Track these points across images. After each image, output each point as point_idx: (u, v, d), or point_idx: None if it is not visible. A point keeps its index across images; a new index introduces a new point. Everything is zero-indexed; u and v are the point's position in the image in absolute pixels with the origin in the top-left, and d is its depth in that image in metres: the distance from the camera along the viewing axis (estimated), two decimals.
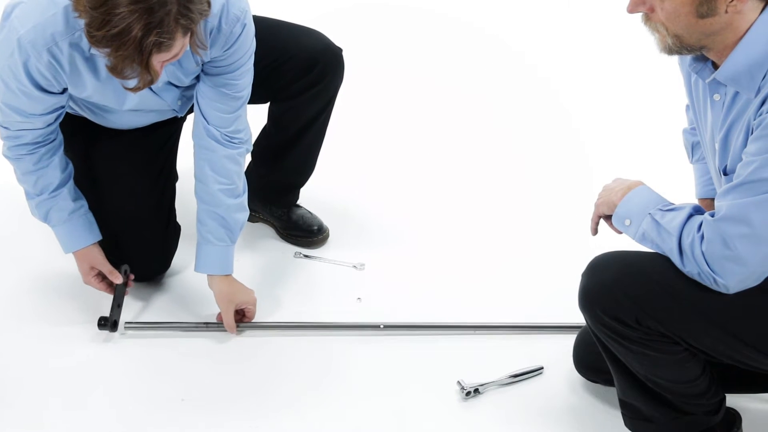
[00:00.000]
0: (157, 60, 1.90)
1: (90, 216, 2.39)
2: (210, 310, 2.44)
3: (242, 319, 2.42)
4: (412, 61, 3.75)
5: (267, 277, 2.61)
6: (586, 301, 1.89)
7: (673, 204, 1.86)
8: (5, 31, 2.05)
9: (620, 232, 1.95)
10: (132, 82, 1.95)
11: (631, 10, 1.79)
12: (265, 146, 2.64)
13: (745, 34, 1.73)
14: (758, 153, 1.70)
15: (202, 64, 2.22)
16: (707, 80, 1.83)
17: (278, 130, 2.59)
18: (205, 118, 2.30)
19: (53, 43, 2.03)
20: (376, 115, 3.35)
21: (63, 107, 2.23)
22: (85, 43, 2.04)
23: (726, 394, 2.05)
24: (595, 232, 2.03)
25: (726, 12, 1.70)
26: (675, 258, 1.79)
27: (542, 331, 2.42)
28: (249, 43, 2.22)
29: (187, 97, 2.36)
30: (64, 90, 2.16)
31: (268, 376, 2.31)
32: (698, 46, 1.77)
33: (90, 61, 2.10)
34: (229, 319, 2.37)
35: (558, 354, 2.31)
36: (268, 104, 2.58)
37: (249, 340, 2.41)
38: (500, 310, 2.47)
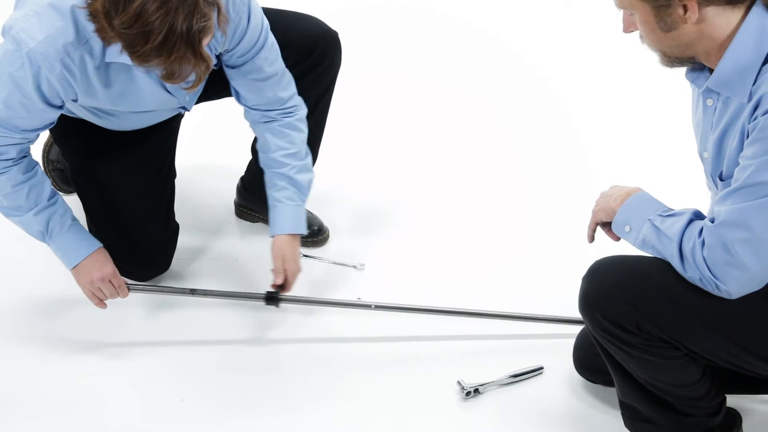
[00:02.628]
0: (205, 45, 1.88)
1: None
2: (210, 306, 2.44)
3: (281, 289, 2.39)
4: (412, 61, 3.75)
5: (267, 277, 2.61)
6: (587, 306, 1.89)
7: (673, 210, 1.86)
8: (9, 46, 2.02)
9: (618, 240, 1.95)
10: (189, 80, 1.92)
11: (625, 30, 1.83)
12: None
13: (732, 39, 1.73)
14: (755, 156, 1.69)
15: (219, 57, 2.21)
16: (701, 89, 1.84)
17: None
18: (254, 108, 2.33)
19: (65, 53, 2.01)
20: (376, 115, 3.35)
21: (54, 122, 2.19)
22: (96, 51, 2.03)
23: (726, 395, 2.05)
24: (591, 239, 2.03)
25: (686, 23, 1.72)
26: (676, 263, 1.78)
27: (542, 332, 2.41)
28: (260, 24, 2.22)
29: (195, 91, 2.35)
30: (63, 103, 2.13)
31: (268, 376, 2.31)
32: (686, 57, 1.79)
33: (100, 69, 2.09)
34: (276, 266, 2.35)
35: (558, 354, 2.31)
36: None
37: (248, 340, 2.42)
38: (501, 310, 2.46)
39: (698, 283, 1.76)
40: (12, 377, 2.29)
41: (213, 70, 2.30)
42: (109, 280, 2.31)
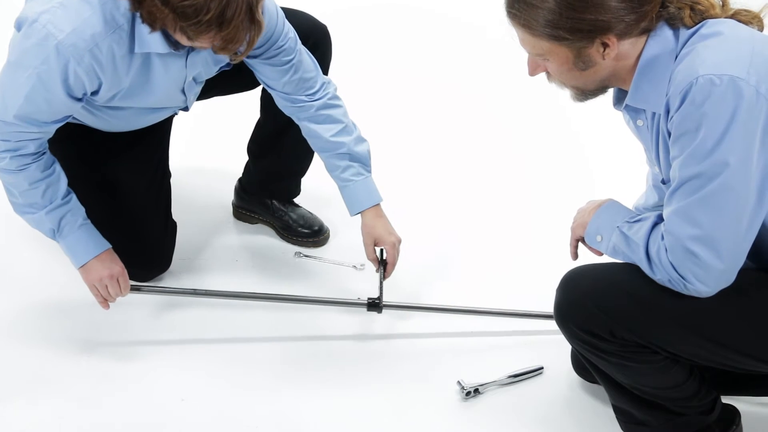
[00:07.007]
0: (260, 10, 1.87)
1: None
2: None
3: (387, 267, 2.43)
4: (412, 61, 3.76)
5: (267, 277, 2.62)
6: (560, 317, 1.89)
7: (639, 215, 1.86)
8: (34, 39, 1.98)
9: (601, 254, 1.96)
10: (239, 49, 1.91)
11: (531, 73, 1.88)
12: (260, 137, 2.65)
13: (640, 57, 1.76)
14: (682, 151, 1.71)
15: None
16: (621, 108, 1.86)
17: (271, 117, 2.55)
18: (283, 94, 2.33)
19: (94, 44, 1.99)
20: (375, 115, 3.34)
21: (70, 116, 2.18)
22: (123, 40, 2.01)
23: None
24: (575, 256, 2.03)
25: (604, 59, 1.75)
26: (645, 267, 1.78)
27: (542, 333, 2.42)
28: (274, 16, 2.20)
29: (196, 91, 2.36)
30: (84, 95, 2.11)
31: (268, 376, 2.31)
32: (601, 88, 1.84)
33: (125, 59, 2.07)
34: (369, 253, 2.41)
35: (558, 354, 2.31)
36: (260, 95, 2.58)
37: (248, 340, 2.42)
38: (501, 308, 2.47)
39: (668, 285, 1.76)
40: (14, 377, 2.29)
41: (223, 70, 2.31)
42: (117, 279, 2.31)
